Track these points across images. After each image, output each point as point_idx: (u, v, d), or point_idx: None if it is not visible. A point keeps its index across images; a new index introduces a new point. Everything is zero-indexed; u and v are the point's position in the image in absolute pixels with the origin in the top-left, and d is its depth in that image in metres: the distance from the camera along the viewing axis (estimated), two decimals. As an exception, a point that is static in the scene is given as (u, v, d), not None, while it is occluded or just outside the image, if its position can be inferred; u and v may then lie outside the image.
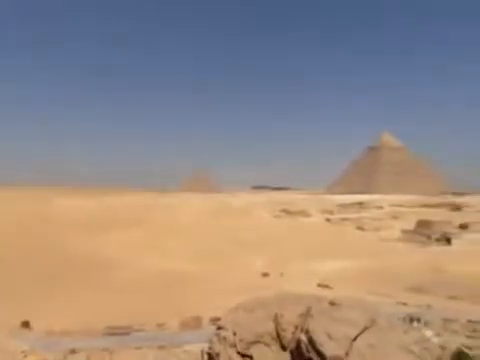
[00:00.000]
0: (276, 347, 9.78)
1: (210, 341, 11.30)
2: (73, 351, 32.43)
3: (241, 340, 10.13)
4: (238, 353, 10.06)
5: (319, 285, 67.24)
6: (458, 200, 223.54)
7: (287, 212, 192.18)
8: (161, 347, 33.95)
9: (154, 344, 35.41)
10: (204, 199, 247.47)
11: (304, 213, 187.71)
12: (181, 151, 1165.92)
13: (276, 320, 10.02)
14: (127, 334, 41.96)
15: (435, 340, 25.07)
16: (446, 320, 32.96)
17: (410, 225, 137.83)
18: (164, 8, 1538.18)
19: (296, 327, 9.61)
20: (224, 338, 10.57)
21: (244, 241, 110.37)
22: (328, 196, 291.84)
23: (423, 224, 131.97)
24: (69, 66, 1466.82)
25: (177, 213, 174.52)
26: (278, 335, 9.80)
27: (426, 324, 30.58)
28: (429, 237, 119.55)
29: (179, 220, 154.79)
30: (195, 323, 46.16)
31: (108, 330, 42.13)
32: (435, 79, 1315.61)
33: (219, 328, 11.34)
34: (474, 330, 29.02)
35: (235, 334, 10.30)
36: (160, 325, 46.20)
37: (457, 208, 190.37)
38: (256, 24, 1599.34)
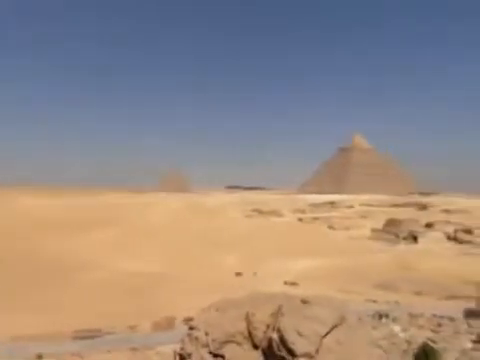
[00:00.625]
0: (248, 346, 9.81)
1: (182, 342, 11.19)
2: (40, 356, 31.29)
3: (213, 340, 10.09)
4: (210, 353, 10.03)
5: (286, 283, 68.26)
6: (424, 200, 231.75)
7: (260, 212, 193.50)
8: (133, 349, 33.31)
9: (126, 346, 34.68)
10: (178, 199, 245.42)
11: (276, 213, 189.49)
12: (155, 151, 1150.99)
13: (248, 319, 10.04)
14: (97, 337, 40.91)
15: (402, 335, 25.98)
16: (412, 315, 34.06)
17: (379, 224, 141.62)
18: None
19: (268, 326, 9.67)
20: (196, 338, 10.49)
21: (217, 241, 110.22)
22: (300, 196, 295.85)
23: (391, 223, 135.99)
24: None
25: (150, 213, 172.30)
26: (250, 334, 9.83)
27: (394, 320, 31.49)
28: (397, 236, 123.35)
29: (152, 220, 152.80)
30: (168, 324, 45.64)
31: (77, 334, 40.95)
32: (408, 80, 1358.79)
33: (191, 328, 11.24)
34: (438, 324, 30.11)
35: (207, 334, 10.25)
36: (132, 327, 45.36)
37: (423, 208, 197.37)
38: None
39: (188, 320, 40.42)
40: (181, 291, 62.52)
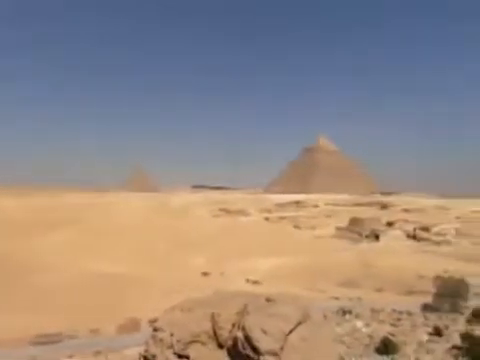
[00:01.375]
0: (213, 346, 9.75)
1: (146, 343, 10.95)
2: (-5, 363, 29.74)
3: (178, 341, 9.94)
4: (175, 354, 9.88)
5: (248, 281, 68.87)
6: (385, 199, 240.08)
7: (226, 211, 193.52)
8: (96, 353, 32.32)
9: (89, 350, 33.62)
10: (142, 198, 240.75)
11: (243, 212, 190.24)
12: (120, 150, 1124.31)
13: (213, 319, 9.98)
14: (58, 342, 39.45)
15: (364, 330, 26.76)
16: (374, 311, 35.08)
17: (343, 223, 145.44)
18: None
19: (233, 325, 9.65)
20: (160, 340, 10.30)
21: (184, 241, 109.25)
22: (267, 196, 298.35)
23: (355, 222, 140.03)
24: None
25: (114, 213, 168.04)
26: (215, 334, 9.77)
27: (357, 316, 32.30)
28: (360, 234, 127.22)
29: (116, 220, 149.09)
30: (133, 326, 44.76)
31: (36, 339, 39.29)
32: (368, 80, 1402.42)
33: (155, 330, 11.02)
34: (398, 319, 31.24)
35: (172, 335, 10.08)
36: (95, 330, 44.11)
37: (384, 207, 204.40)
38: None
39: (154, 321, 39.67)
40: (147, 292, 61.49)
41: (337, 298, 55.31)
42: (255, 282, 67.90)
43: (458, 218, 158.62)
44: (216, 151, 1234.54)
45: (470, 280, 39.85)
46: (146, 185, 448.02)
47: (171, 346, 9.95)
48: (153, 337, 10.63)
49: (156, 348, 10.21)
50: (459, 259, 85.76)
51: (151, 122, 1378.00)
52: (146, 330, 38.42)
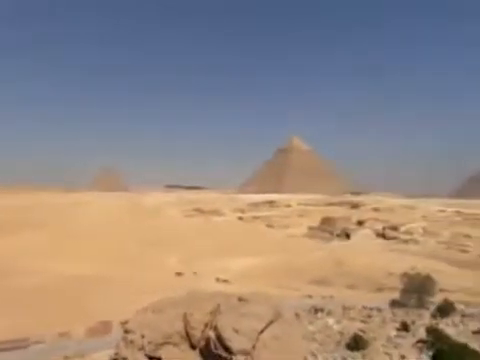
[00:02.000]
0: (185, 346, 9.66)
1: (116, 346, 10.71)
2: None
3: (149, 342, 9.79)
4: (146, 356, 9.72)
5: (218, 280, 68.86)
6: (356, 199, 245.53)
7: (200, 211, 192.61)
8: (65, 358, 31.37)
9: (57, 355, 32.55)
10: (113, 198, 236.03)
11: (217, 212, 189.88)
12: (90, 149, 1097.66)
13: (186, 319, 9.88)
14: (24, 347, 37.99)
15: (336, 327, 27.22)
16: (345, 308, 35.72)
17: (316, 222, 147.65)
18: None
19: (206, 325, 9.60)
20: (131, 342, 10.10)
21: (157, 241, 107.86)
22: (240, 195, 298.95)
23: (326, 221, 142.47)
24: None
25: (85, 213, 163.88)
26: (187, 334, 9.68)
27: (329, 313, 32.78)
28: (332, 233, 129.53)
29: (86, 220, 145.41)
30: (104, 328, 43.66)
31: (1, 345, 37.67)
32: (341, 82, 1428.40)
33: (126, 332, 10.80)
34: (368, 315, 31.97)
35: (143, 336, 9.91)
36: (63, 334, 42.76)
37: (355, 206, 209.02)
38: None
39: (125, 323, 38.65)
40: (119, 293, 60.24)
41: (310, 296, 56.07)
42: (225, 281, 67.89)
43: (424, 217, 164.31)
44: (190, 151, 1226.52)
45: (436, 276, 41.31)
46: (117, 185, 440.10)
47: (142, 348, 9.79)
48: (124, 339, 10.43)
49: (127, 350, 10.02)
50: (426, 257, 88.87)
51: (124, 122, 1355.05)
52: (117, 332, 37.58)
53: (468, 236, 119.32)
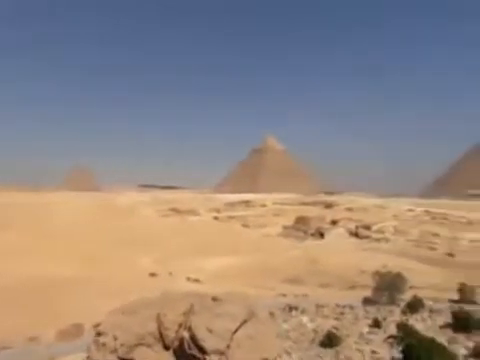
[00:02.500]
0: (159, 348, 9.54)
1: (88, 349, 10.46)
2: None
3: (122, 344, 9.61)
4: (119, 358, 9.54)
5: (192, 280, 68.58)
6: (329, 199, 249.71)
7: (175, 211, 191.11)
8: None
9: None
10: (85, 197, 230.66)
11: (192, 212, 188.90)
12: (61, 149, 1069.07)
13: (159, 320, 9.76)
14: (-11, 354, 36.41)
15: (309, 325, 27.55)
16: (319, 306, 36.20)
17: (290, 221, 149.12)
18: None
19: (180, 325, 9.51)
20: (103, 344, 9.89)
21: (130, 241, 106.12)
22: (216, 195, 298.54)
23: (301, 220, 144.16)
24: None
25: (54, 212, 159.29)
26: (161, 335, 9.56)
27: (303, 312, 33.11)
28: (306, 232, 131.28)
29: (56, 220, 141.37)
30: (75, 331, 42.47)
31: (-37, 352, 35.94)
32: (315, 82, 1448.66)
33: (98, 334, 10.57)
34: (341, 313, 32.53)
35: (115, 339, 9.72)
36: (33, 338, 41.33)
37: (329, 206, 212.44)
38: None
39: (97, 326, 37.77)
40: (91, 295, 58.81)
41: (284, 295, 56.51)
42: (199, 281, 67.57)
43: (395, 216, 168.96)
44: (165, 150, 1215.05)
45: (406, 274, 42.50)
46: (89, 184, 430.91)
47: (115, 350, 9.60)
48: (95, 342, 10.20)
49: (98, 353, 9.81)
50: (396, 255, 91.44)
51: (96, 121, 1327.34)
52: (89, 335, 36.62)
53: (436, 235, 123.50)
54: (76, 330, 43.00)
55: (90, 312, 45.90)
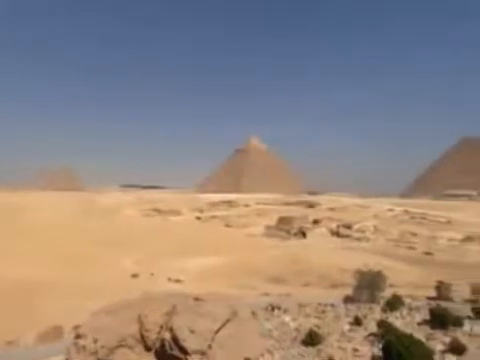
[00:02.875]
0: (140, 349, 9.44)
1: (67, 352, 10.26)
2: None
3: (102, 346, 9.46)
4: (99, 360, 9.39)
5: (175, 280, 68.20)
6: (312, 199, 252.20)
7: (158, 211, 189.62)
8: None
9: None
10: (67, 197, 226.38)
11: (175, 212, 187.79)
12: (44, 148, 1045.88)
13: (140, 321, 9.65)
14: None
15: (292, 324, 27.75)
16: (301, 305, 36.49)
17: (273, 221, 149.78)
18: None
19: (161, 326, 9.43)
20: (83, 347, 9.71)
21: (112, 241, 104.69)
22: (199, 195, 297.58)
23: (283, 220, 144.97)
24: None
25: (35, 213, 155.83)
26: (142, 336, 9.46)
27: (285, 311, 33.30)
28: (288, 232, 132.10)
29: (37, 220, 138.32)
30: (55, 334, 41.62)
31: None
32: (295, 82, 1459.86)
33: (78, 336, 10.38)
34: (322, 311, 32.89)
35: (96, 341, 9.56)
36: (11, 342, 40.29)
37: (311, 206, 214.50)
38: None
39: (77, 328, 36.99)
40: (72, 296, 57.75)
41: (267, 294, 56.69)
42: (182, 281, 67.16)
43: (375, 216, 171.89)
44: (148, 150, 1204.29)
45: (386, 272, 43.28)
46: (71, 184, 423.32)
47: (95, 352, 9.45)
48: (75, 344, 10.02)
49: (78, 356, 9.63)
50: (377, 254, 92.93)
51: (79, 121, 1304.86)
52: (69, 338, 35.97)
53: (414, 234, 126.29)
54: (56, 332, 42.11)
55: (70, 314, 45.06)
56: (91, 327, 9.80)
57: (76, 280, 69.33)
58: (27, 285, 65.26)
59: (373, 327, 24.38)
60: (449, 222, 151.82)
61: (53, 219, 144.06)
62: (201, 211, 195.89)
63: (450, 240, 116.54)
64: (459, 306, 33.20)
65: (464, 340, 20.74)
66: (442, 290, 42.30)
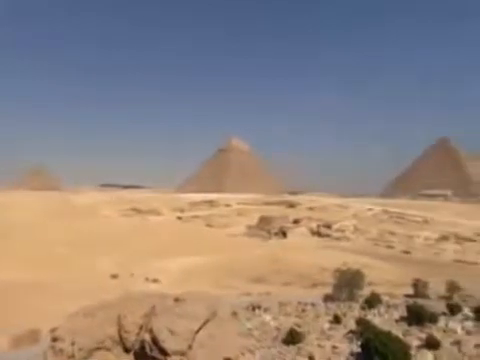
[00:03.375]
0: (118, 351, 9.25)
1: (44, 356, 10.00)
2: None
3: (80, 349, 9.26)
4: (76, 363, 9.16)
5: (154, 281, 67.59)
6: (292, 198, 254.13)
7: (137, 210, 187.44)
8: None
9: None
10: (42, 197, 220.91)
11: (155, 211, 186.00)
12: (19, 147, 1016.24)
13: (119, 322, 9.46)
14: None
15: (272, 323, 27.89)
16: (281, 304, 36.73)
17: (254, 221, 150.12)
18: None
19: (140, 328, 9.27)
20: (60, 350, 9.48)
21: (90, 242, 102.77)
22: (180, 195, 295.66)
23: (264, 220, 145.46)
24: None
25: (7, 213, 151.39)
26: (121, 338, 9.28)
27: (266, 310, 33.45)
28: (269, 231, 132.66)
29: (8, 221, 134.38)
30: (31, 338, 40.48)
31: None
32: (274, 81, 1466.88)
33: (55, 339, 10.13)
34: (303, 310, 33.19)
35: (73, 344, 9.34)
36: (-17, 347, 38.97)
37: (291, 205, 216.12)
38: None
39: (55, 330, 36.03)
40: (48, 299, 56.25)
41: (248, 294, 56.72)
42: (160, 281, 66.54)
43: (355, 215, 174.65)
44: (127, 149, 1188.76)
45: (365, 271, 44.01)
46: (47, 184, 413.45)
47: (72, 356, 9.24)
48: (52, 348, 9.78)
49: (55, 359, 9.39)
50: (356, 253, 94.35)
51: (54, 120, 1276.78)
52: (46, 341, 35.03)
53: (393, 233, 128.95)
54: (32, 336, 40.93)
55: (47, 317, 43.86)
56: (68, 329, 9.56)
57: (52, 282, 67.63)
58: (0, 287, 63.39)
59: (352, 325, 24.76)
60: (426, 221, 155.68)
61: (27, 220, 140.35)
62: (182, 211, 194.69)
63: (426, 239, 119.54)
64: (434, 303, 34.09)
65: (439, 336, 21.32)
66: (419, 288, 43.28)
